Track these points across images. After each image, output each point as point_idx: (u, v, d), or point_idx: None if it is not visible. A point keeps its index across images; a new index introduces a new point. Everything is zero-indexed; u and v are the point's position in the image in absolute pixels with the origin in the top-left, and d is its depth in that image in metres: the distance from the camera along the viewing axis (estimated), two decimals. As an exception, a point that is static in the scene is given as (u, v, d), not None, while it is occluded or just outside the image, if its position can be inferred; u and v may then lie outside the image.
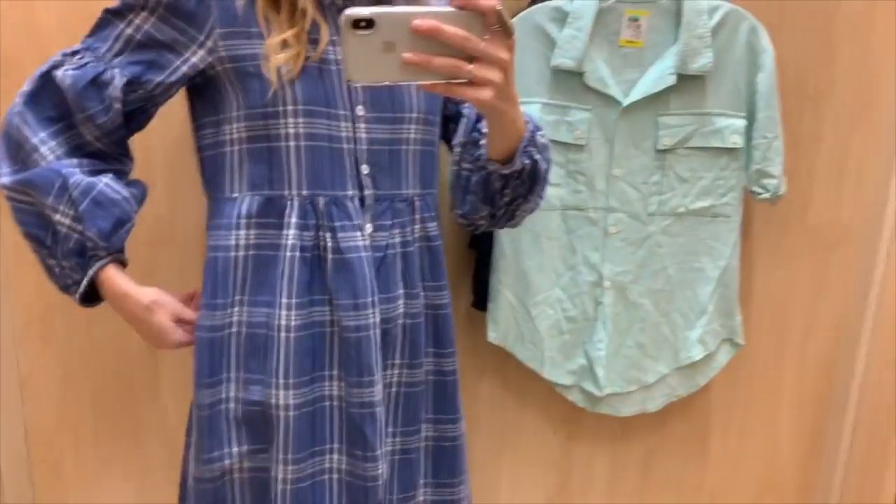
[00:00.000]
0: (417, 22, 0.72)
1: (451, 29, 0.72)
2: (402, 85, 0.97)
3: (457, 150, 0.99)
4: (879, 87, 1.40)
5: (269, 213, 0.95)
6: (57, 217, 0.92)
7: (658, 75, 1.23)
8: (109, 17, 0.93)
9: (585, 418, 1.48)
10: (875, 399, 1.52)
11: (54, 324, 1.32)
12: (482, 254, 1.35)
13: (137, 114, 0.96)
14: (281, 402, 0.95)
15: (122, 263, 0.97)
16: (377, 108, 0.96)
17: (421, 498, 1.06)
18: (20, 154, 0.93)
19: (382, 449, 0.98)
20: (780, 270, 1.48)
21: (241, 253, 0.96)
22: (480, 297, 1.36)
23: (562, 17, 1.21)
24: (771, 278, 1.48)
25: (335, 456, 0.99)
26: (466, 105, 0.99)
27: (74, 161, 0.94)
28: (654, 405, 1.39)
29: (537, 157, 0.93)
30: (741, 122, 1.27)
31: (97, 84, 0.92)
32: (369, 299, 0.96)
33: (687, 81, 1.24)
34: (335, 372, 0.98)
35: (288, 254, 0.94)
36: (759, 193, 1.30)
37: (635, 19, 1.23)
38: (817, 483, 1.59)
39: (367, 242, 0.96)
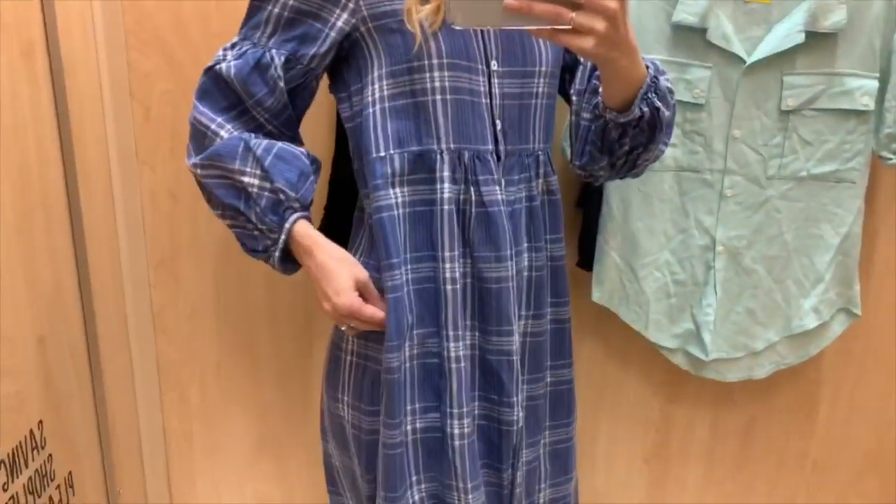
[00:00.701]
0: None
1: None
2: (533, 38, 0.97)
3: (574, 98, 1.00)
4: None
5: (421, 169, 0.97)
6: (246, 179, 0.95)
7: (786, 32, 1.17)
8: (256, 2, 0.96)
9: (688, 382, 1.47)
10: None
11: (184, 264, 1.41)
12: (590, 213, 1.35)
13: (300, 90, 0.99)
14: (451, 353, 0.98)
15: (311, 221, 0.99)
16: (509, 63, 0.97)
17: (543, 440, 1.10)
18: (205, 142, 0.98)
19: (518, 396, 1.02)
20: (904, 239, 1.41)
21: (401, 211, 0.97)
22: (586, 258, 1.36)
23: (686, -30, 1.17)
24: (893, 248, 1.41)
25: (475, 403, 1.03)
26: None
27: (252, 135, 0.97)
28: (762, 372, 1.37)
29: (658, 104, 0.91)
30: (873, 83, 1.21)
31: (259, 68, 0.95)
32: (508, 251, 0.98)
33: (816, 39, 1.18)
34: (475, 322, 1.01)
35: (445, 207, 0.96)
36: (889, 159, 1.24)
37: (764, -27, 1.18)
38: (929, 463, 1.54)
39: (504, 196, 0.99)
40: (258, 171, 0.95)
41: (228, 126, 0.97)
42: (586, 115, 0.98)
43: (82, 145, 1.25)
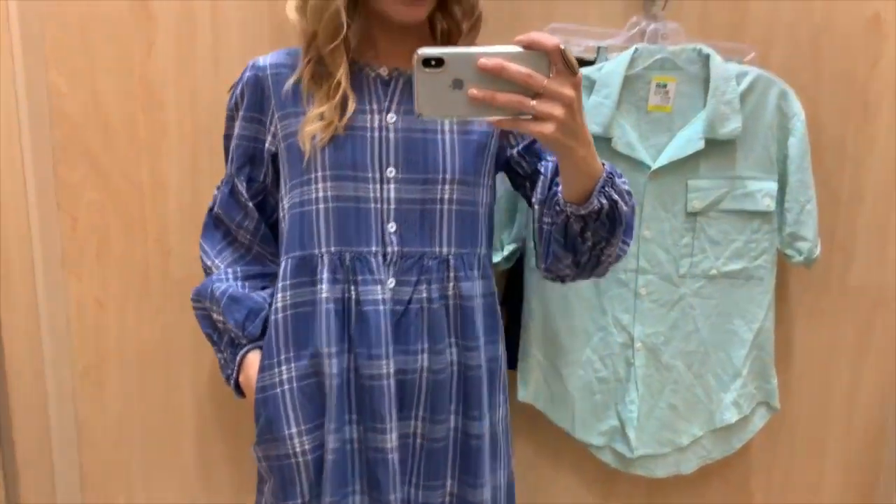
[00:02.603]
0: (483, 60, 0.78)
1: (514, 66, 0.78)
2: (438, 147, 1.02)
3: (536, 207, 1.02)
4: (923, 146, 1.38)
5: (304, 272, 1.04)
6: (215, 316, 1.11)
7: (686, 140, 1.24)
8: (224, 140, 1.14)
9: (620, 478, 1.47)
10: (927, 466, 1.46)
11: (108, 372, 1.40)
12: (512, 312, 1.37)
13: (264, 205, 1.14)
14: (330, 445, 1.02)
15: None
16: (409, 170, 1.02)
17: None
18: (205, 274, 1.15)
19: (396, 495, 1.02)
20: (821, 331, 1.46)
21: (284, 313, 1.04)
22: (511, 356, 1.38)
23: (589, 84, 1.24)
24: (812, 340, 1.46)
25: (357, 497, 1.05)
26: (542, 163, 1.03)
27: (229, 272, 1.13)
28: (689, 467, 1.37)
29: (616, 197, 0.93)
30: (773, 186, 1.27)
31: (233, 195, 1.12)
32: (382, 350, 1.01)
33: (717, 146, 1.25)
34: (355, 416, 1.04)
35: (324, 306, 1.02)
36: (793, 257, 1.30)
37: (663, 85, 1.25)
38: (867, 552, 1.54)
39: (388, 296, 1.02)
40: (218, 310, 1.09)
41: (222, 256, 1.14)
42: (547, 219, 1.00)
43: (6, 253, 1.26)
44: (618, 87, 1.22)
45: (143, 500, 1.45)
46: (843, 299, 1.44)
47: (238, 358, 1.09)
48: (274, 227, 1.15)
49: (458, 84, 0.79)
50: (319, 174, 1.02)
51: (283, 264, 1.06)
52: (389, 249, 1.03)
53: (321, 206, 1.03)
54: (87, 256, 1.35)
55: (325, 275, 1.02)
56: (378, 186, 1.02)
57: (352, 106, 1.01)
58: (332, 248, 1.03)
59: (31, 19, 1.24)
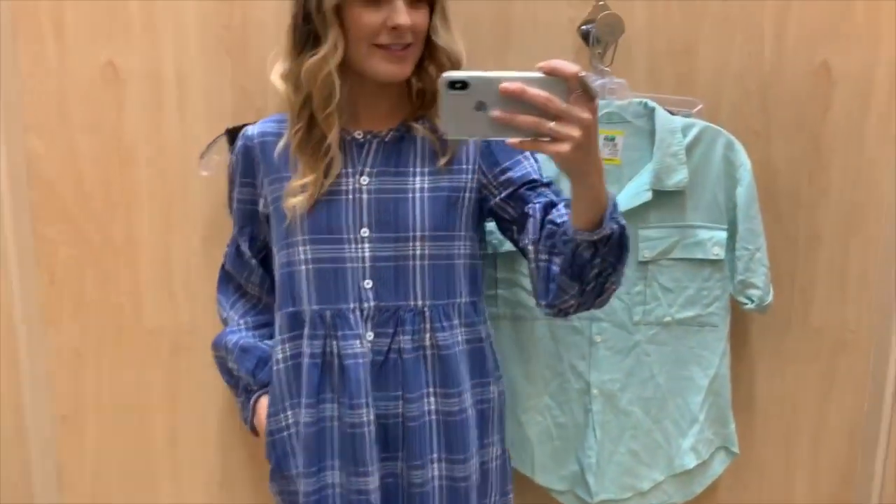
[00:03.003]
0: (505, 84, 0.82)
1: (533, 90, 0.81)
2: (409, 206, 1.08)
3: (531, 248, 1.05)
4: (878, 189, 1.39)
5: (295, 327, 1.13)
6: (230, 364, 1.22)
7: (635, 192, 1.27)
8: (228, 202, 1.24)
9: (588, 521, 1.48)
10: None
11: (87, 418, 1.45)
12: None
13: (268, 260, 1.21)
14: (308, 488, 1.10)
15: None
16: (381, 229, 1.08)
17: None
18: (224, 325, 1.26)
19: None
20: (785, 373, 1.47)
21: (283, 365, 1.14)
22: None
23: (539, 139, 1.27)
24: (775, 382, 1.47)
25: None
26: (528, 206, 1.07)
27: (241, 322, 1.24)
28: (651, 512, 1.39)
29: (623, 222, 0.96)
30: (723, 234, 1.30)
31: (239, 255, 1.23)
32: (362, 400, 1.07)
33: (665, 196, 1.27)
34: (336, 462, 1.10)
35: (306, 360, 1.10)
36: (745, 304, 1.31)
37: (611, 139, 1.28)
38: None
39: (367, 349, 1.08)
40: (232, 360, 1.21)
41: (236, 308, 1.26)
42: (544, 256, 1.02)
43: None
44: (565, 142, 1.26)
45: (123, 544, 1.50)
46: (806, 340, 1.45)
47: (251, 403, 1.20)
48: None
49: (481, 106, 0.83)
50: (300, 238, 1.10)
51: (278, 319, 1.16)
52: (366, 305, 1.09)
53: (303, 267, 1.10)
54: (64, 309, 1.41)
55: (307, 330, 1.10)
56: (354, 246, 1.09)
57: (336, 169, 1.07)
58: (315, 306, 1.10)
59: (11, 87, 1.32)
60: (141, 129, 1.35)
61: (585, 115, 0.83)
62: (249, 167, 1.16)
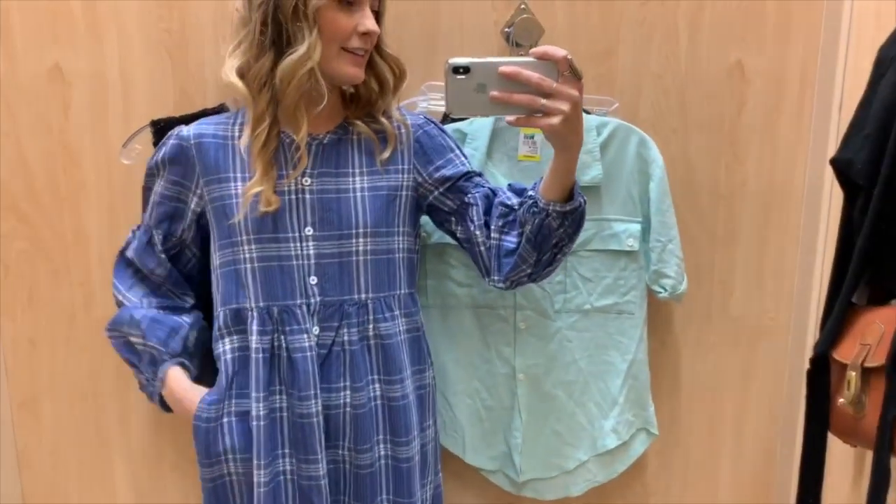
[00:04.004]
0: (504, 68, 0.95)
1: (528, 72, 0.95)
2: (350, 204, 1.15)
3: (475, 233, 1.16)
4: (791, 182, 1.46)
5: (239, 323, 1.17)
6: (134, 339, 1.22)
7: (553, 186, 1.33)
8: (143, 191, 1.23)
9: (522, 501, 1.55)
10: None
11: (43, 405, 1.52)
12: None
13: (179, 256, 1.25)
14: (260, 479, 1.14)
15: (185, 368, 1.21)
16: (324, 228, 1.14)
17: None
18: (118, 308, 1.26)
19: None
20: (707, 361, 1.53)
21: (228, 356, 1.17)
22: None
23: (462, 137, 1.34)
24: (698, 369, 1.54)
25: None
26: (468, 196, 1.17)
27: (144, 301, 1.24)
28: (577, 490, 1.46)
29: (584, 198, 1.10)
30: (637, 227, 1.36)
31: (149, 245, 1.22)
32: (311, 392, 1.13)
33: (583, 191, 1.33)
34: (287, 450, 1.16)
35: (254, 355, 1.15)
36: (659, 292, 1.38)
37: (531, 136, 1.35)
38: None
39: (314, 342, 1.15)
40: (139, 333, 1.20)
41: (133, 290, 1.25)
42: (495, 235, 1.14)
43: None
44: (486, 140, 1.32)
45: (80, 523, 1.57)
46: (726, 329, 1.52)
47: (161, 374, 1.20)
48: (188, 275, 1.27)
49: (481, 88, 0.96)
50: (244, 237, 1.14)
51: (220, 315, 1.18)
52: (312, 300, 1.15)
53: (248, 265, 1.15)
54: (18, 300, 1.47)
55: (255, 327, 1.15)
56: (298, 245, 1.14)
57: (302, 167, 1.12)
58: (261, 304, 1.15)
59: (-40, 88, 1.38)
60: (86, 128, 1.41)
61: (573, 91, 0.96)
62: (182, 166, 1.17)
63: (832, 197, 1.43)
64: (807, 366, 1.17)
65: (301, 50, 1.05)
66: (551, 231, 1.08)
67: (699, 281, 1.46)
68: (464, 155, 1.22)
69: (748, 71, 1.41)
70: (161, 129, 1.29)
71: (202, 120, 1.21)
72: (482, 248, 1.17)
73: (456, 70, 0.96)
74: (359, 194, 1.16)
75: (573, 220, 1.08)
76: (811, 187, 1.45)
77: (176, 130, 1.20)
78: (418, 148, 1.19)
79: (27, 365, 1.50)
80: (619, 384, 1.41)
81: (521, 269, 1.14)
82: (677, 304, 1.50)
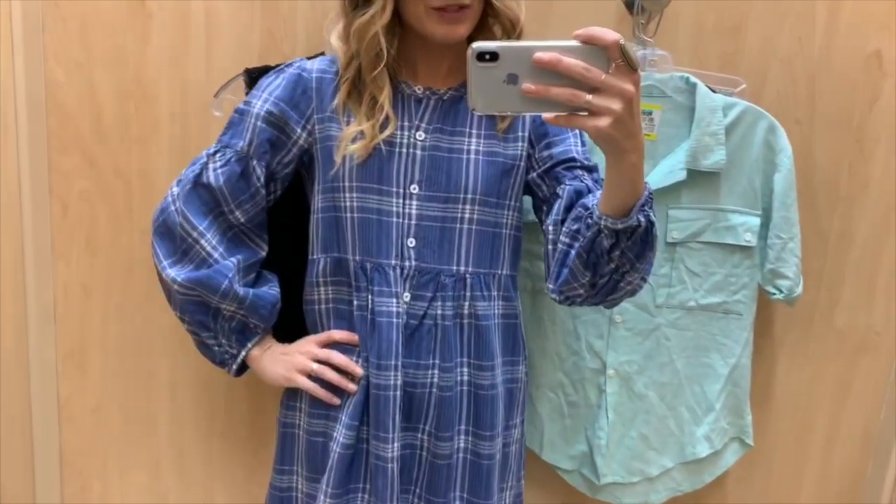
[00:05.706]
0: (539, 55, 0.74)
1: (569, 60, 0.74)
2: (462, 166, 1.05)
3: (551, 228, 1.01)
4: (919, 190, 1.35)
5: (339, 273, 1.09)
6: (224, 306, 1.08)
7: (669, 169, 1.23)
8: (238, 115, 1.09)
9: (589, 500, 1.46)
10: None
11: (90, 356, 1.43)
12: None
13: (268, 193, 1.12)
14: (337, 444, 1.07)
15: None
16: (431, 188, 1.06)
17: None
18: (182, 246, 1.08)
19: (393, 503, 1.06)
20: (803, 371, 1.43)
21: (323, 307, 1.12)
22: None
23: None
24: (793, 379, 1.43)
25: (362, 496, 1.09)
26: (560, 187, 1.04)
27: (230, 263, 1.07)
28: (658, 498, 1.36)
29: (653, 219, 0.90)
30: (756, 220, 1.25)
31: (245, 176, 1.07)
32: (392, 362, 1.04)
33: (700, 176, 1.23)
34: (367, 419, 1.08)
35: (356, 312, 1.08)
36: (773, 294, 1.27)
37: (648, 113, 1.24)
38: None
39: (403, 309, 1.06)
40: (235, 305, 1.08)
41: (208, 235, 1.07)
42: (565, 239, 0.98)
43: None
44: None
45: (118, 481, 1.48)
46: (827, 340, 1.41)
47: (251, 344, 1.12)
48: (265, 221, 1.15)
49: (512, 79, 0.76)
50: (346, 184, 1.06)
51: (319, 261, 1.10)
52: (407, 264, 1.06)
53: (348, 214, 1.07)
54: (75, 243, 1.38)
55: (352, 281, 1.08)
56: (401, 202, 1.06)
57: (392, 127, 1.04)
58: (357, 257, 1.07)
59: (32, 11, 1.27)
60: (164, 65, 1.31)
61: (627, 86, 0.75)
62: (297, 95, 1.08)
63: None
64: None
65: (371, 10, 0.98)
66: (603, 251, 0.91)
67: (805, 286, 1.34)
68: (583, 142, 1.09)
69: (886, 63, 1.30)
70: (255, 78, 1.18)
71: (321, 58, 1.12)
72: (549, 247, 1.02)
73: (481, 56, 0.76)
74: (472, 157, 1.06)
75: (633, 242, 0.90)
76: (939, 198, 1.34)
77: (298, 61, 1.12)
78: (537, 116, 1.08)
79: (78, 313, 1.41)
80: (717, 389, 1.31)
81: (573, 288, 0.98)
82: (777, 308, 1.39)
